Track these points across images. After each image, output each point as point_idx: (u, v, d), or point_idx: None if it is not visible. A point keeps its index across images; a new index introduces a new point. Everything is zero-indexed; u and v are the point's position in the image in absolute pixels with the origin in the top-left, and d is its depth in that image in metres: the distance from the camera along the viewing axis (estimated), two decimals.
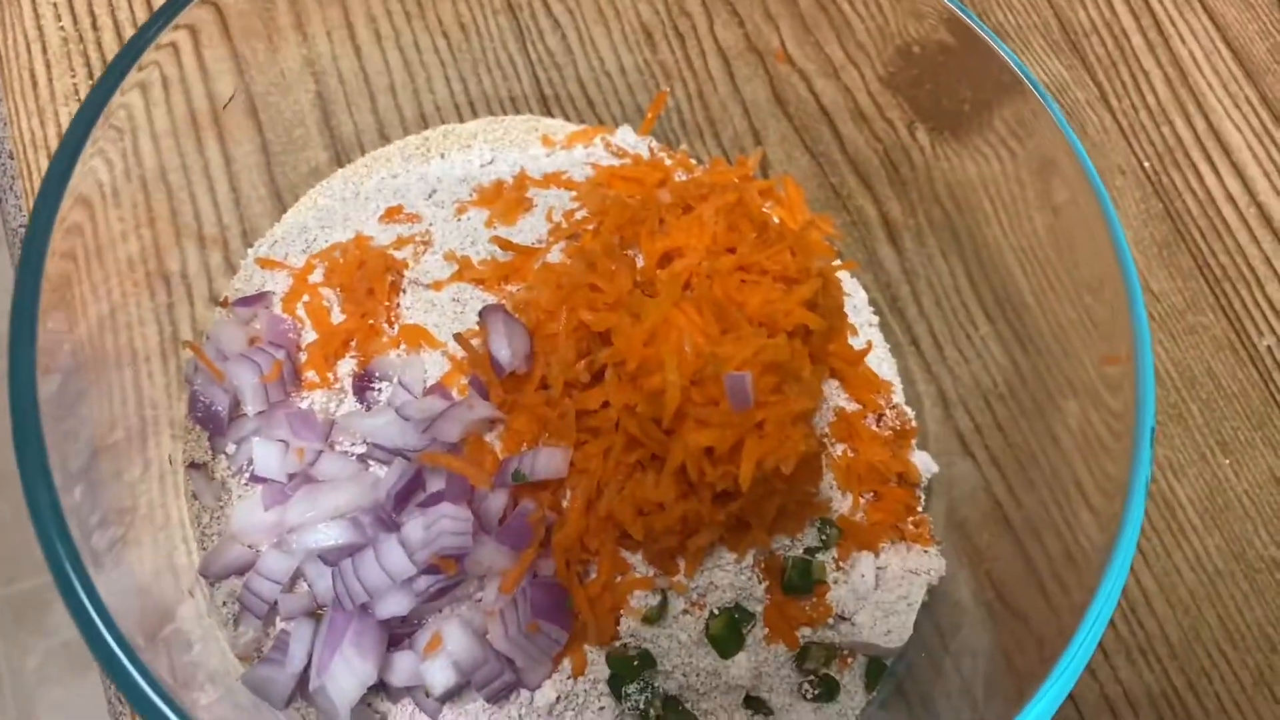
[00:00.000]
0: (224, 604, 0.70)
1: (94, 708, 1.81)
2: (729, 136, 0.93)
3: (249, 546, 0.70)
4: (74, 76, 0.88)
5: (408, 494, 0.68)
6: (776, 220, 0.80)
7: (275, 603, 0.68)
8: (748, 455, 0.61)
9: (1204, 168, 1.01)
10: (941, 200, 0.84)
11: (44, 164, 0.86)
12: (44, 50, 0.88)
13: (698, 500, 0.64)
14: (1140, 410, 0.62)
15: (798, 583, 0.69)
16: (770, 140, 0.92)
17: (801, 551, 0.71)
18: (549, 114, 0.92)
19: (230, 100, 0.78)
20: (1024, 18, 1.06)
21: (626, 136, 0.89)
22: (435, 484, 0.69)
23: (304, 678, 0.66)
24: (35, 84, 0.87)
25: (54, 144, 0.86)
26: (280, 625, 0.69)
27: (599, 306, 0.67)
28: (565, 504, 0.68)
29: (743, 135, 0.93)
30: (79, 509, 0.63)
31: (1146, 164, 1.01)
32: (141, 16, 0.91)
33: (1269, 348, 0.95)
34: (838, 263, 0.85)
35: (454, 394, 0.71)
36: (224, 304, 0.78)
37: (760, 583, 0.70)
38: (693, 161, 0.90)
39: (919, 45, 0.83)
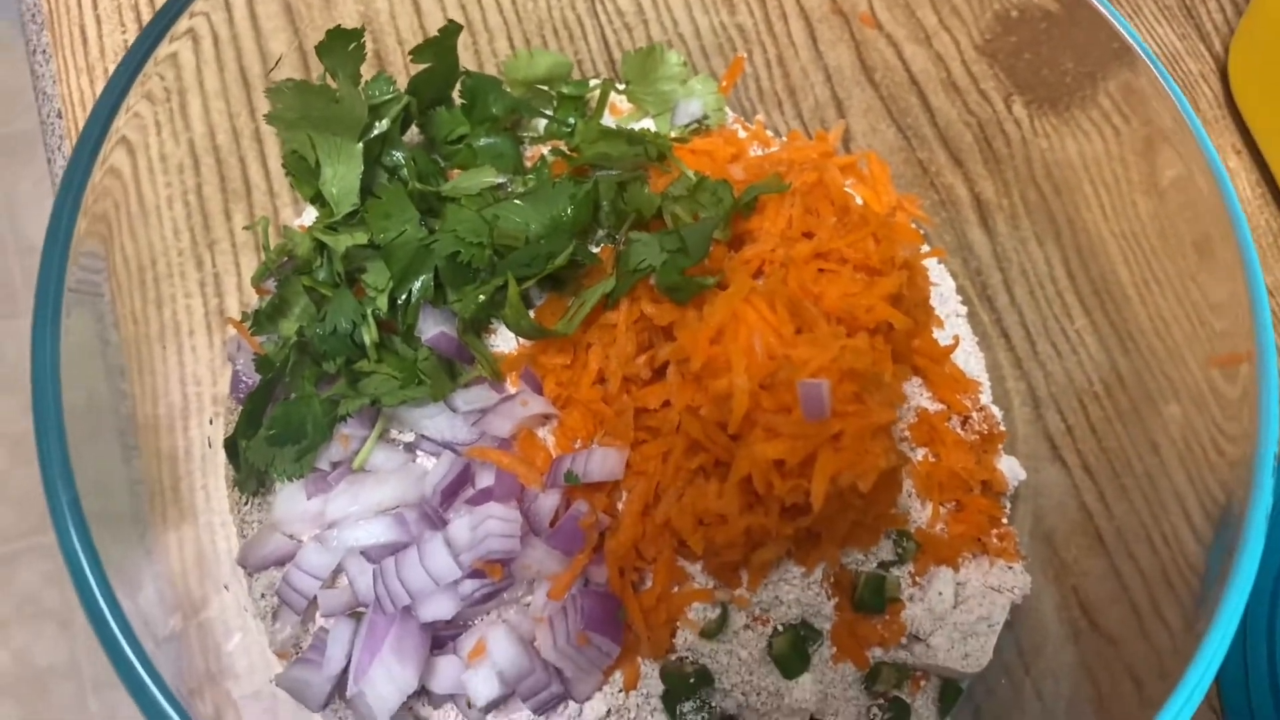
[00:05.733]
0: (262, 596, 0.67)
1: None
2: (809, 106, 0.87)
3: (290, 536, 0.67)
4: (124, 32, 0.84)
5: (455, 490, 0.64)
6: (859, 202, 0.74)
7: (315, 598, 0.65)
8: (821, 471, 0.55)
9: None
10: (1038, 180, 0.78)
11: None
12: (94, 5, 0.85)
13: (764, 513, 0.59)
14: (1263, 432, 0.56)
15: (870, 600, 0.64)
16: (854, 111, 0.86)
17: (875, 566, 0.66)
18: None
19: (279, 61, 0.73)
20: None
21: (693, 107, 0.83)
22: (485, 479, 0.65)
23: (342, 679, 0.62)
24: (85, 40, 0.84)
25: None
26: (320, 622, 0.66)
27: (662, 298, 0.62)
28: (620, 508, 0.63)
29: (824, 105, 0.86)
30: (112, 491, 0.61)
31: None
32: None
33: None
34: (925, 249, 0.78)
35: (507, 386, 0.66)
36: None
37: (829, 599, 0.65)
38: (770, 134, 0.84)
39: (1019, 10, 0.77)
